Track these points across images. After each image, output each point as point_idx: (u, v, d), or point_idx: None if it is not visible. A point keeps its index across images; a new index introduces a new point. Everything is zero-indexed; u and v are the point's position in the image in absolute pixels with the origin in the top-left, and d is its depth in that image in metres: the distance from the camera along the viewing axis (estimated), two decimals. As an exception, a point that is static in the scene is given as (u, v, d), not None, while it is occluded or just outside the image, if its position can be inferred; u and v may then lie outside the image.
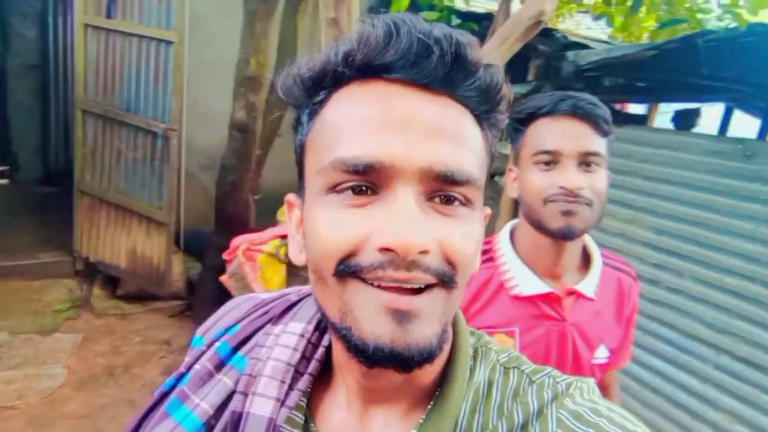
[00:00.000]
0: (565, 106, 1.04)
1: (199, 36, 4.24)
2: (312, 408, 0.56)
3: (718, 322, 2.48)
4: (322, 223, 0.46)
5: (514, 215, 1.45)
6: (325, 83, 0.50)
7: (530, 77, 3.20)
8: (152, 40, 3.80)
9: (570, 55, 2.85)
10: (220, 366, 0.58)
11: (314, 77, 0.50)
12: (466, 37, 0.47)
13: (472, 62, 0.47)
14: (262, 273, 3.31)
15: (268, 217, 4.01)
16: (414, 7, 4.19)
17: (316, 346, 0.57)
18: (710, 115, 4.16)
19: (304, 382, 0.55)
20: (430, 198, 0.46)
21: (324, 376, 0.58)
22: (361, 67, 0.47)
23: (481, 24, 3.81)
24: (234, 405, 0.54)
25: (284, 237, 3.33)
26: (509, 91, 0.51)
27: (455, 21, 4.14)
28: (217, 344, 0.60)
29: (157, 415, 0.57)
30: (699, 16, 2.59)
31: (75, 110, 4.22)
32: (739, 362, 2.41)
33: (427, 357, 0.45)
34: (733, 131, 3.90)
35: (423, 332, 0.45)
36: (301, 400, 0.55)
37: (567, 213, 1.03)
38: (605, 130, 1.05)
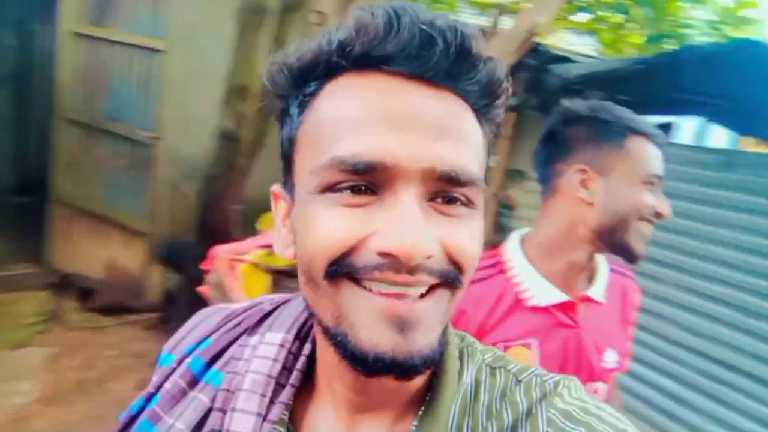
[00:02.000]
0: (659, 135, 1.08)
1: (188, 44, 4.23)
2: (295, 421, 0.53)
3: (700, 327, 2.50)
4: (316, 222, 0.44)
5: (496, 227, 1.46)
6: (316, 73, 0.47)
7: (514, 90, 3.25)
8: (140, 48, 3.78)
9: (557, 68, 2.91)
10: (193, 383, 0.55)
11: (304, 67, 0.47)
12: (470, 29, 0.44)
13: (475, 55, 0.45)
14: (245, 283, 3.24)
15: (250, 227, 3.94)
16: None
17: (296, 355, 0.55)
18: (685, 128, 4.30)
19: (286, 395, 0.52)
20: (431, 198, 0.44)
21: (306, 387, 0.54)
22: (359, 58, 0.44)
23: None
24: (212, 423, 0.51)
25: (268, 246, 3.29)
26: (509, 85, 0.49)
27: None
28: (189, 360, 0.56)
29: None
30: (684, 31, 2.68)
31: (55, 119, 4.14)
32: (718, 365, 2.43)
33: (430, 364, 0.44)
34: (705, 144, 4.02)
35: (425, 339, 0.43)
36: (283, 414, 0.52)
37: (646, 239, 1.06)
38: None
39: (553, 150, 1.16)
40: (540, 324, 1.09)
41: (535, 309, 1.09)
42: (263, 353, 0.53)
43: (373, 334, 0.42)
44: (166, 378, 0.56)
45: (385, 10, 0.43)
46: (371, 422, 0.52)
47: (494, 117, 0.50)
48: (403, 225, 0.41)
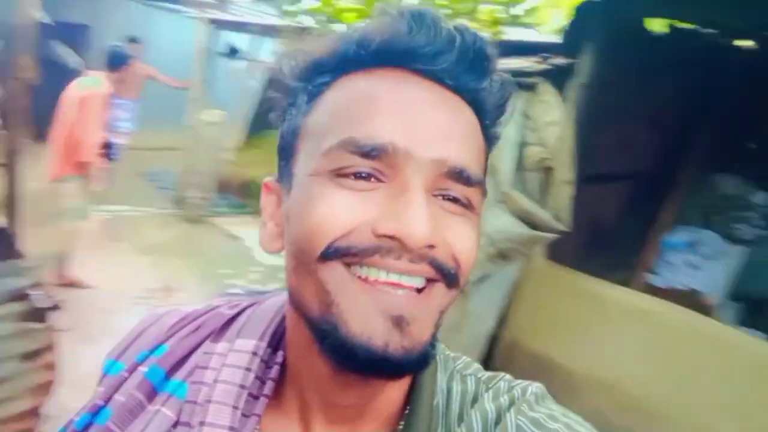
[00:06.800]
0: None
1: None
2: None
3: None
4: (318, 202, 0.43)
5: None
6: (332, 66, 0.47)
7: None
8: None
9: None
10: (152, 395, 0.51)
11: (321, 58, 0.47)
12: (487, 38, 0.46)
13: (492, 63, 0.47)
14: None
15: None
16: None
17: (269, 364, 0.52)
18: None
19: (260, 406, 0.50)
20: (434, 195, 0.44)
21: (276, 399, 0.52)
22: (378, 52, 0.45)
23: None
24: None
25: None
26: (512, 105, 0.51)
27: None
28: (145, 369, 0.52)
29: None
30: None
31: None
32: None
33: (422, 365, 0.43)
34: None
35: (420, 337, 0.42)
36: (255, 429, 0.49)
37: None
38: None
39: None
40: None
41: None
42: (234, 362, 0.50)
43: (366, 326, 0.40)
44: (116, 389, 0.52)
45: (409, 10, 0.44)
46: None
47: (494, 137, 0.50)
48: (409, 209, 0.40)
